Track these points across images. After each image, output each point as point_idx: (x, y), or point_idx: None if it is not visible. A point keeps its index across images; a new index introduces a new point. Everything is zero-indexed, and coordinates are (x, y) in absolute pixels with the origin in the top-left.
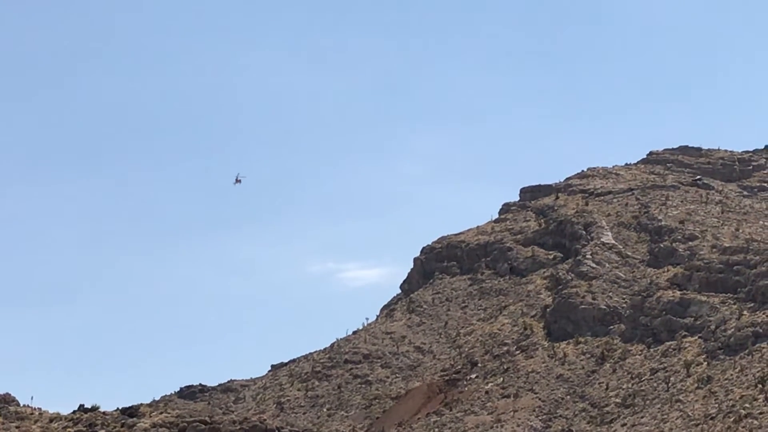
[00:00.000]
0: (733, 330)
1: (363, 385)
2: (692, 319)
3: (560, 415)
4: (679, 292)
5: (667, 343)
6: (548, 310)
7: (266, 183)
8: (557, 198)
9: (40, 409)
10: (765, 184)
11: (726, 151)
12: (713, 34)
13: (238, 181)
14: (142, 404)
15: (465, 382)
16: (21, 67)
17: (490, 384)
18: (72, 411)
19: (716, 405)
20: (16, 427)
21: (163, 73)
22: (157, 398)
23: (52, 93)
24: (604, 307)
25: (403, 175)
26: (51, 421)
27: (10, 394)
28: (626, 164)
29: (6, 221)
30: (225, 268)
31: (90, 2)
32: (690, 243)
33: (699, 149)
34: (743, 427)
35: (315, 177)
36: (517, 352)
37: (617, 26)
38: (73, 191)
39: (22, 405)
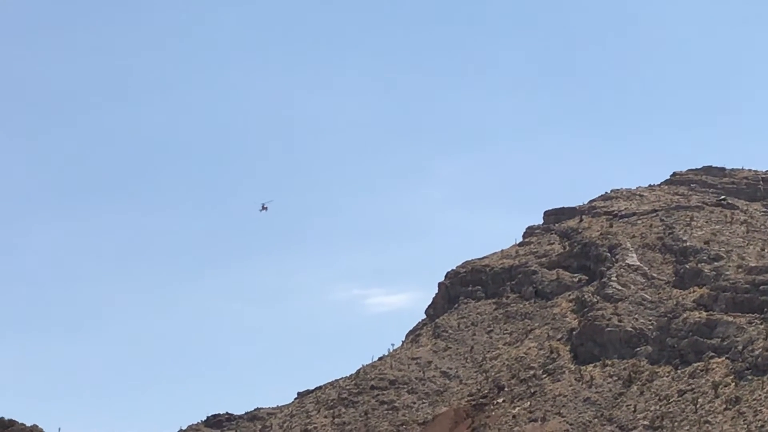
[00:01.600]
0: (760, 350)
1: (390, 411)
2: (719, 339)
3: None
4: (705, 313)
5: (695, 365)
6: (574, 332)
7: (289, 210)
8: (581, 220)
9: None
10: None
11: (750, 170)
12: (737, 53)
13: (264, 208)
14: None
15: (492, 407)
16: (41, 101)
17: (517, 408)
18: None
19: (745, 426)
20: None
21: (188, 101)
22: (183, 427)
23: (73, 125)
24: (631, 329)
25: (425, 200)
26: None
27: (37, 426)
28: (650, 185)
29: (33, 251)
30: (249, 295)
31: (122, 29)
32: (716, 263)
33: (723, 169)
34: None
35: (337, 204)
36: (544, 375)
37: (639, 46)
38: (98, 221)
39: None
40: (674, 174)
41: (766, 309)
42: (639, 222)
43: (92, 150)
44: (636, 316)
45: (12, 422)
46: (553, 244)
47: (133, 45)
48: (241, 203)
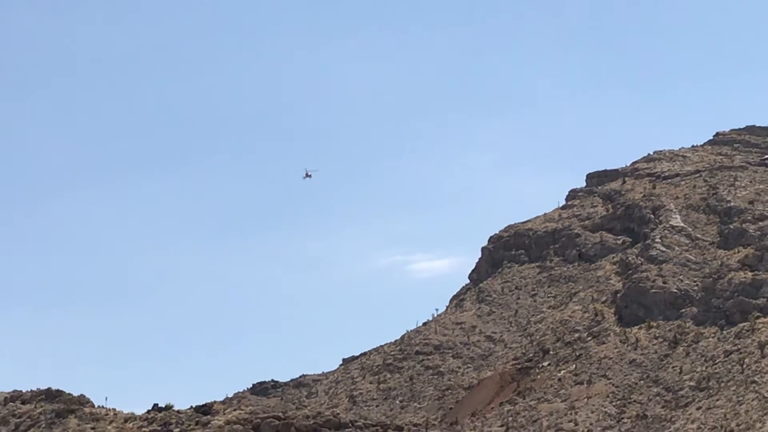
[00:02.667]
0: None
1: (435, 376)
2: (765, 299)
3: (634, 401)
4: (750, 273)
5: (740, 325)
6: (619, 295)
7: (331, 178)
8: (624, 182)
9: (114, 409)
10: None
11: None
12: None
13: (308, 175)
14: (215, 402)
15: (537, 370)
16: (105, 67)
17: (562, 371)
18: (146, 410)
19: None
20: (92, 429)
21: (231, 73)
22: (230, 395)
23: (129, 95)
24: (675, 290)
25: (467, 165)
26: (126, 421)
27: (84, 396)
28: (693, 146)
29: (81, 222)
30: (293, 264)
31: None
32: (760, 223)
33: (766, 128)
34: None
35: (380, 171)
36: (589, 338)
37: (681, 6)
38: (144, 192)
39: (96, 406)
40: (717, 134)
41: None
42: (682, 183)
43: (136, 121)
44: (680, 277)
45: (59, 392)
46: (596, 206)
47: (180, 23)
48: (285, 172)
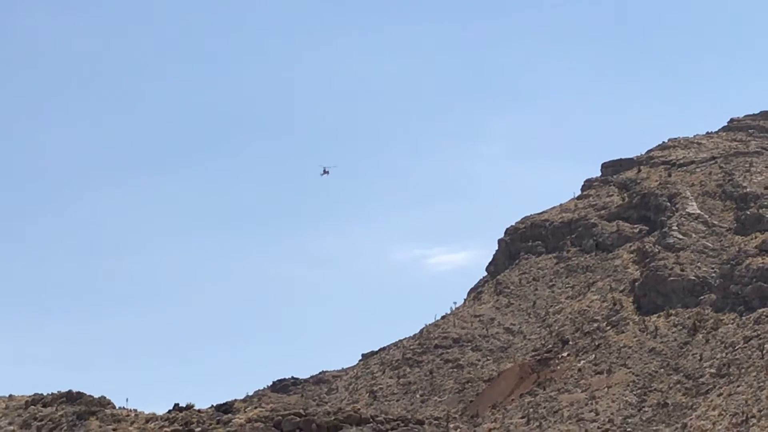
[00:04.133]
0: None
1: (455, 370)
2: None
3: (655, 389)
4: None
5: (760, 311)
6: (637, 284)
7: (348, 175)
8: (639, 171)
9: (135, 410)
10: None
11: None
12: None
13: (326, 172)
14: (236, 400)
15: (557, 361)
16: (110, 68)
17: (582, 361)
18: (167, 411)
19: None
20: (113, 430)
21: (245, 71)
22: (250, 393)
23: (137, 95)
24: (694, 277)
25: (482, 157)
26: (147, 421)
27: (105, 397)
28: (707, 133)
29: (99, 223)
30: (311, 260)
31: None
32: None
33: None
34: None
35: (395, 166)
36: (608, 327)
37: None
38: (159, 191)
39: (118, 407)
40: (731, 120)
41: None
42: (698, 170)
43: (155, 120)
44: (698, 264)
45: (80, 394)
46: (611, 195)
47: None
48: (303, 169)
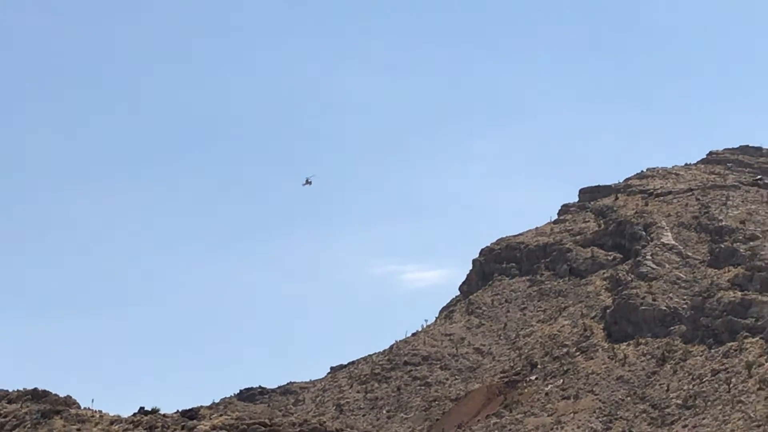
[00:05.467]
0: None
1: (422, 387)
2: (753, 319)
3: (621, 417)
4: (740, 293)
5: (728, 344)
6: (608, 311)
7: (328, 185)
8: (617, 198)
9: (100, 411)
10: None
11: None
12: None
13: (308, 182)
14: (202, 407)
15: (525, 384)
16: (95, 73)
17: (550, 385)
18: (132, 414)
19: None
20: (77, 430)
21: (226, 79)
22: (216, 401)
23: (127, 98)
24: (665, 308)
25: (462, 176)
26: (111, 423)
27: (71, 397)
28: (686, 164)
29: (71, 225)
30: (286, 270)
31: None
32: (751, 243)
33: (759, 149)
34: None
35: (376, 180)
36: (577, 353)
37: (677, 24)
38: (138, 197)
39: (82, 408)
40: (710, 153)
41: None
42: (674, 201)
43: (140, 126)
44: (670, 294)
45: (46, 393)
46: (588, 221)
47: (178, 29)
48: (283, 178)
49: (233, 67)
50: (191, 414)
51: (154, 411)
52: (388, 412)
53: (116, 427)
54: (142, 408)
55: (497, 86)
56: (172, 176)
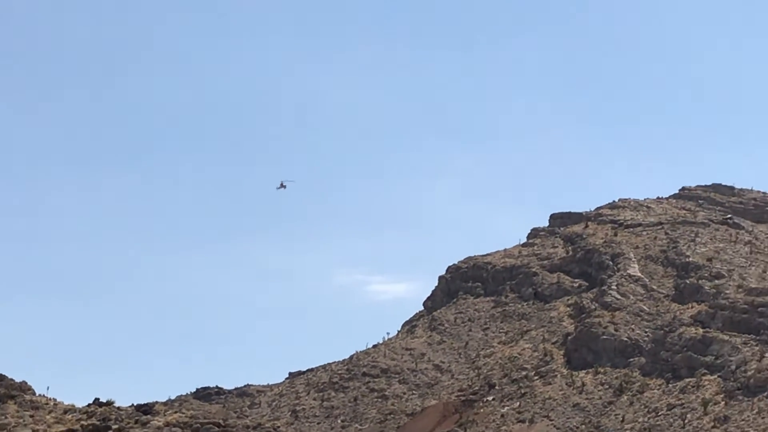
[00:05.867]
0: (753, 371)
1: (379, 400)
2: (713, 357)
3: None
4: (701, 330)
5: (687, 380)
6: (570, 337)
7: (302, 191)
8: (587, 226)
9: (55, 399)
10: None
11: (759, 191)
12: (758, 78)
13: (282, 186)
14: (157, 402)
15: (481, 404)
16: (63, 66)
17: (506, 407)
18: (87, 404)
19: None
20: (30, 416)
21: (204, 79)
22: (173, 397)
23: (93, 91)
24: (626, 339)
25: (436, 192)
26: (65, 412)
27: (26, 383)
28: (658, 197)
29: (40, 213)
30: (253, 273)
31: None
32: (716, 281)
33: (732, 188)
34: None
35: (350, 190)
36: (536, 377)
37: (658, 57)
38: (106, 190)
39: (37, 394)
40: (683, 188)
41: (762, 331)
42: (644, 233)
43: (118, 120)
44: (632, 326)
45: (2, 377)
46: (556, 247)
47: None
48: (258, 182)
49: (209, 68)
50: (146, 409)
51: (109, 403)
52: (343, 422)
53: (70, 416)
54: (97, 399)
55: (477, 106)
56: (141, 174)
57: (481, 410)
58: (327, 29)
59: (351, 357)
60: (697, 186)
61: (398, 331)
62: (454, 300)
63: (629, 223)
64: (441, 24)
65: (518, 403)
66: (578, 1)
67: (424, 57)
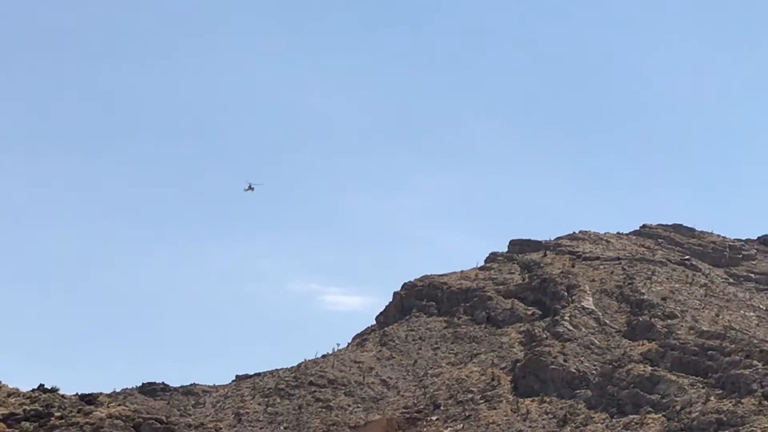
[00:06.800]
0: (698, 414)
1: (323, 410)
2: (659, 396)
3: None
4: (650, 368)
5: (631, 416)
6: (518, 364)
7: (266, 196)
8: (545, 255)
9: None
10: (752, 275)
11: (719, 236)
12: (729, 120)
13: (250, 188)
14: (102, 393)
15: (425, 423)
16: (50, 60)
17: (449, 429)
18: (31, 389)
19: None
20: None
21: (176, 78)
22: (118, 390)
23: (69, 88)
24: (574, 370)
25: (398, 210)
26: (9, 395)
27: None
28: (618, 233)
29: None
30: (209, 273)
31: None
32: (669, 321)
33: (692, 230)
34: None
35: (312, 199)
36: (482, 401)
37: (632, 96)
38: (69, 183)
39: None
40: (644, 226)
41: (710, 374)
42: (601, 267)
43: (90, 112)
44: (582, 358)
45: None
46: (513, 273)
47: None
48: (222, 183)
49: (177, 64)
50: (90, 399)
51: (53, 390)
52: (285, 429)
53: (13, 399)
54: (41, 385)
55: (446, 130)
56: (105, 167)
57: (425, 429)
58: (302, 35)
59: (299, 365)
60: (658, 225)
61: (348, 344)
62: (407, 317)
63: (587, 255)
64: (417, 42)
65: (462, 425)
66: (555, 32)
67: (400, 73)
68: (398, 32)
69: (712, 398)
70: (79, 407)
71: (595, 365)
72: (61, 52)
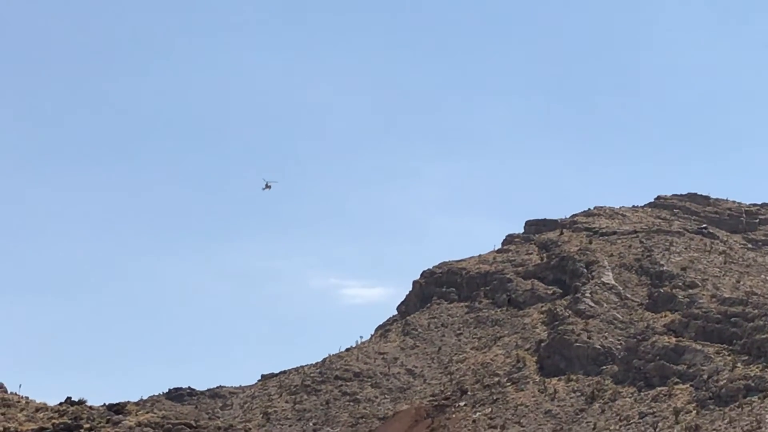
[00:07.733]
0: (725, 381)
1: (351, 403)
2: (685, 366)
3: None
4: (674, 339)
5: (658, 389)
6: (543, 344)
7: (280, 194)
8: (561, 234)
9: (27, 397)
10: None
11: (734, 202)
12: (736, 87)
13: (267, 186)
14: (129, 402)
15: (453, 409)
16: (60, 66)
17: (478, 413)
18: (59, 402)
19: None
20: (2, 414)
21: (184, 81)
22: (145, 398)
23: (82, 94)
24: (599, 346)
25: (414, 199)
26: (37, 410)
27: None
28: (633, 206)
29: (20, 210)
30: (228, 274)
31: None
32: (690, 291)
33: (707, 198)
34: None
35: (329, 195)
36: (508, 383)
37: (638, 67)
38: (87, 190)
39: (9, 392)
40: (658, 197)
41: (735, 341)
42: (618, 241)
43: (105, 118)
44: (605, 334)
45: None
46: (531, 254)
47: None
48: (238, 185)
49: (193, 67)
50: (117, 408)
51: (81, 402)
52: (314, 425)
53: (41, 414)
54: (69, 398)
55: (457, 117)
56: (124, 176)
57: (453, 416)
58: (311, 32)
59: (324, 360)
60: (673, 195)
61: (371, 335)
62: (428, 305)
63: (604, 231)
64: (426, 31)
65: (490, 409)
66: (561, 12)
67: (409, 64)
68: (407, 23)
69: (738, 365)
70: (108, 417)
71: (619, 340)
72: (73, 60)
